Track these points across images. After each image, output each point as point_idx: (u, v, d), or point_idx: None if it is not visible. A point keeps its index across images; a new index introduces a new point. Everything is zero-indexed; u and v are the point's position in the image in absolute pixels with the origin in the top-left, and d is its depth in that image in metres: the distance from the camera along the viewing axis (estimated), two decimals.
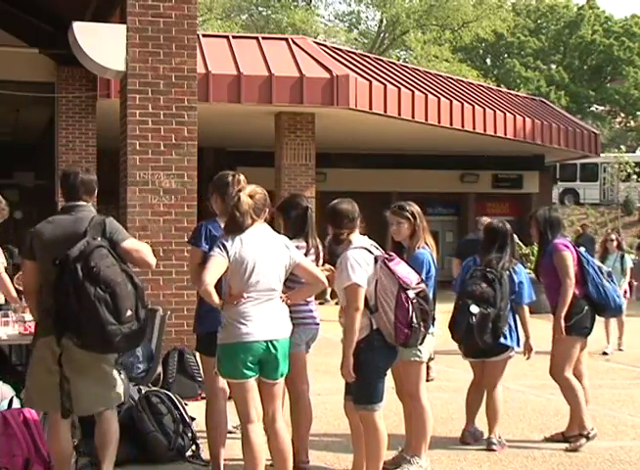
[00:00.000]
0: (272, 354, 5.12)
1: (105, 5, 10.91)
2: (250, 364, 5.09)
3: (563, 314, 6.92)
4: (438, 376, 9.55)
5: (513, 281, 6.86)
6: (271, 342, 5.10)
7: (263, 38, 18.39)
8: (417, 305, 5.33)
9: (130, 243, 5.19)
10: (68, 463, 5.15)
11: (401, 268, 5.43)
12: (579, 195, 39.20)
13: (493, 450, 6.80)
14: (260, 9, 48.27)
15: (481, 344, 6.71)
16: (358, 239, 5.59)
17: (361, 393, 5.51)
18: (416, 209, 6.31)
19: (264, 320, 5.09)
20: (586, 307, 7.02)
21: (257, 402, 5.21)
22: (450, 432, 7.18)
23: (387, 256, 5.50)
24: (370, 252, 5.48)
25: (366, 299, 5.39)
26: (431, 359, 6.46)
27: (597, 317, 7.24)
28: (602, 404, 8.66)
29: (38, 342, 5.09)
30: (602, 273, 7.14)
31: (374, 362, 5.43)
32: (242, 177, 5.82)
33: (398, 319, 5.29)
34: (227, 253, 5.07)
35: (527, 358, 7.10)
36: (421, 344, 5.57)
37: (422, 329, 5.37)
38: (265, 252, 5.13)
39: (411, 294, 5.31)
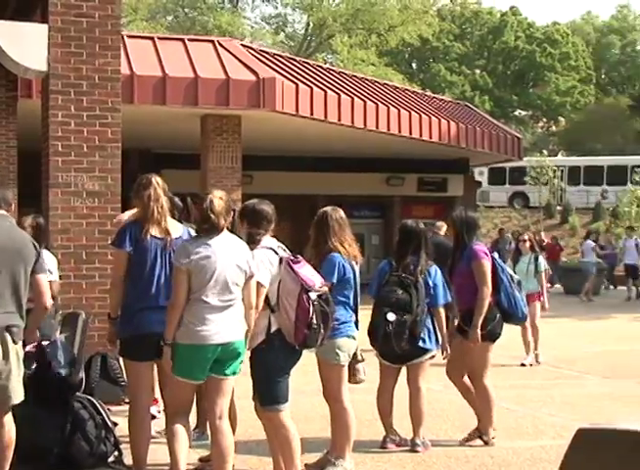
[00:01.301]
0: (224, 355, 5.20)
1: (25, 3, 10.71)
2: (203, 366, 5.19)
3: (480, 323, 7.01)
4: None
5: (428, 284, 6.90)
6: (225, 344, 5.17)
7: (189, 40, 18.22)
8: (318, 306, 5.41)
9: (43, 278, 5.40)
10: (8, 453, 5.20)
11: (305, 270, 5.52)
12: (529, 198, 38.81)
13: (417, 452, 6.87)
14: (186, 10, 48.02)
15: (399, 350, 6.76)
16: (267, 240, 5.66)
17: (265, 394, 5.58)
18: (318, 216, 6.32)
19: (221, 324, 5.16)
20: (498, 315, 7.15)
21: (191, 404, 5.43)
22: (375, 434, 7.21)
23: (292, 258, 5.58)
24: (276, 252, 5.56)
25: (268, 298, 5.45)
26: (359, 362, 6.47)
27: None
28: (523, 404, 8.81)
29: None
30: (513, 282, 7.27)
31: (276, 363, 5.51)
32: (157, 179, 5.82)
33: (299, 319, 5.38)
34: (189, 260, 5.13)
35: (444, 358, 7.19)
36: (320, 345, 5.59)
37: (321, 330, 5.43)
38: (228, 257, 5.20)
39: (313, 295, 5.40)
